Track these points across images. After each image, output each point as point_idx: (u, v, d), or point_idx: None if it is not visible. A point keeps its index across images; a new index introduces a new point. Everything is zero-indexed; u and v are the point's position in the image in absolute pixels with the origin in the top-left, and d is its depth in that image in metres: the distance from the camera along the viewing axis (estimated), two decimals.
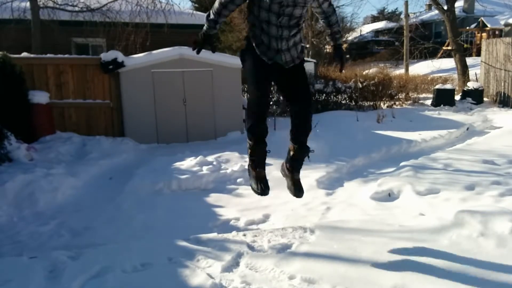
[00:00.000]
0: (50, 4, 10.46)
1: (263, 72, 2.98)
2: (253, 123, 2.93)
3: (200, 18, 13.58)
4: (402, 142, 7.75)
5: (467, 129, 9.41)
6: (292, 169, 3.16)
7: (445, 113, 10.97)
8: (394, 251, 2.95)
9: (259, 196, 3.15)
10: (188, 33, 13.08)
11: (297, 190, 3.14)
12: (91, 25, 10.57)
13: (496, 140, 7.59)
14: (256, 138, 2.99)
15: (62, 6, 10.60)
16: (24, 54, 8.25)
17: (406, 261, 2.80)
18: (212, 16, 3.03)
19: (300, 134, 3.07)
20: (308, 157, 3.20)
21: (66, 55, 8.72)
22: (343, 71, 3.12)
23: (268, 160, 3.18)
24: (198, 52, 3.16)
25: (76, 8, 10.69)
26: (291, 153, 3.14)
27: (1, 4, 10.25)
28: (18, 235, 4.14)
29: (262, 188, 3.04)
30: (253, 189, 3.10)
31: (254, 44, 2.99)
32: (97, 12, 10.72)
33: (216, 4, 2.98)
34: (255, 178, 3.09)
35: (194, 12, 14.29)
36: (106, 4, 10.91)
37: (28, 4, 10.07)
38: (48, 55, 8.37)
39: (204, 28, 3.08)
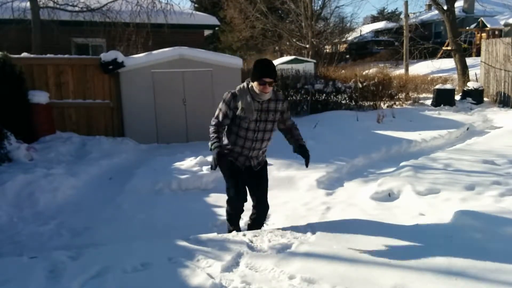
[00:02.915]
0: (50, 4, 10.46)
1: (239, 177, 3.52)
2: (231, 218, 3.71)
3: (200, 18, 13.61)
4: (402, 142, 7.75)
5: (467, 129, 9.41)
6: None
7: (445, 113, 10.98)
8: (394, 251, 2.95)
9: None
10: (188, 33, 13.16)
11: None
12: (91, 25, 10.57)
13: (496, 140, 7.59)
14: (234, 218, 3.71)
15: (62, 6, 10.59)
16: (24, 54, 8.24)
17: (406, 261, 2.80)
18: (213, 135, 3.34)
19: (256, 226, 3.68)
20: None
21: (66, 55, 8.71)
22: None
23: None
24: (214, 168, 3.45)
25: (76, 8, 10.68)
26: (249, 223, 3.78)
27: (1, 4, 10.23)
28: (18, 235, 4.14)
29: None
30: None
31: (228, 155, 3.47)
32: (97, 12, 10.72)
33: (211, 128, 3.37)
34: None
35: (194, 12, 14.27)
36: (106, 4, 10.91)
37: (28, 4, 10.07)
38: (48, 55, 8.37)
39: (212, 147, 3.34)
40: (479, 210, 3.55)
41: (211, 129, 3.40)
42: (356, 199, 4.92)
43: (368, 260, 2.84)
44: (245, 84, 3.39)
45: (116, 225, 4.33)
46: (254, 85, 3.29)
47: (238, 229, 3.75)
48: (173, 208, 4.81)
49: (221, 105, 3.41)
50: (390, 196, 4.91)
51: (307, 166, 3.53)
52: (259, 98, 3.31)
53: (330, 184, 5.59)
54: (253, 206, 3.69)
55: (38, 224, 4.39)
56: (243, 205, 3.64)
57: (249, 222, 3.79)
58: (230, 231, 3.74)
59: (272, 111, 3.41)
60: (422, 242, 3.09)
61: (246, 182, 3.60)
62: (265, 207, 3.67)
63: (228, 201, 3.67)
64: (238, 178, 3.54)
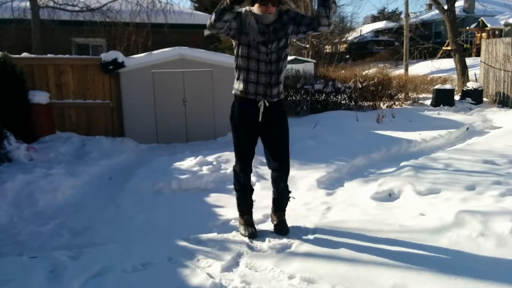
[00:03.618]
0: (50, 4, 10.47)
1: (249, 135, 3.19)
2: (239, 175, 3.30)
3: (200, 18, 13.61)
4: (402, 142, 7.74)
5: (467, 129, 9.41)
6: (275, 210, 3.50)
7: (445, 113, 10.98)
8: (394, 251, 2.95)
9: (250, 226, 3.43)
10: (188, 33, 13.17)
11: (281, 230, 3.40)
12: (91, 25, 10.58)
13: (496, 140, 7.59)
14: (242, 188, 3.36)
15: (62, 6, 10.60)
16: (25, 54, 8.24)
17: (406, 261, 2.80)
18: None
19: (279, 189, 3.38)
20: (289, 199, 3.52)
21: (66, 55, 8.72)
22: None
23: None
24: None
25: (76, 8, 10.69)
26: (273, 196, 3.49)
27: (1, 4, 10.25)
28: (18, 235, 4.14)
29: (251, 231, 3.35)
30: (242, 234, 3.38)
31: (242, 87, 3.07)
32: (97, 12, 10.72)
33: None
34: (243, 225, 3.42)
35: (194, 11, 14.28)
36: (106, 4, 10.92)
37: (28, 4, 10.07)
38: (49, 55, 8.37)
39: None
40: (480, 210, 3.55)
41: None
42: (356, 199, 4.91)
43: (368, 260, 2.84)
44: (246, 8, 2.99)
45: (116, 225, 4.33)
46: (255, 8, 2.91)
47: (250, 218, 3.43)
48: (173, 208, 4.80)
49: None
50: (390, 196, 4.91)
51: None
52: (263, 21, 2.92)
53: (330, 184, 5.59)
54: (272, 169, 3.28)
55: (38, 224, 4.39)
56: (250, 163, 3.22)
57: (273, 196, 3.48)
58: (242, 222, 3.41)
59: (282, 35, 2.98)
60: (422, 242, 3.09)
61: (262, 136, 3.23)
62: (286, 163, 3.25)
63: (235, 166, 3.32)
64: (249, 135, 3.18)
